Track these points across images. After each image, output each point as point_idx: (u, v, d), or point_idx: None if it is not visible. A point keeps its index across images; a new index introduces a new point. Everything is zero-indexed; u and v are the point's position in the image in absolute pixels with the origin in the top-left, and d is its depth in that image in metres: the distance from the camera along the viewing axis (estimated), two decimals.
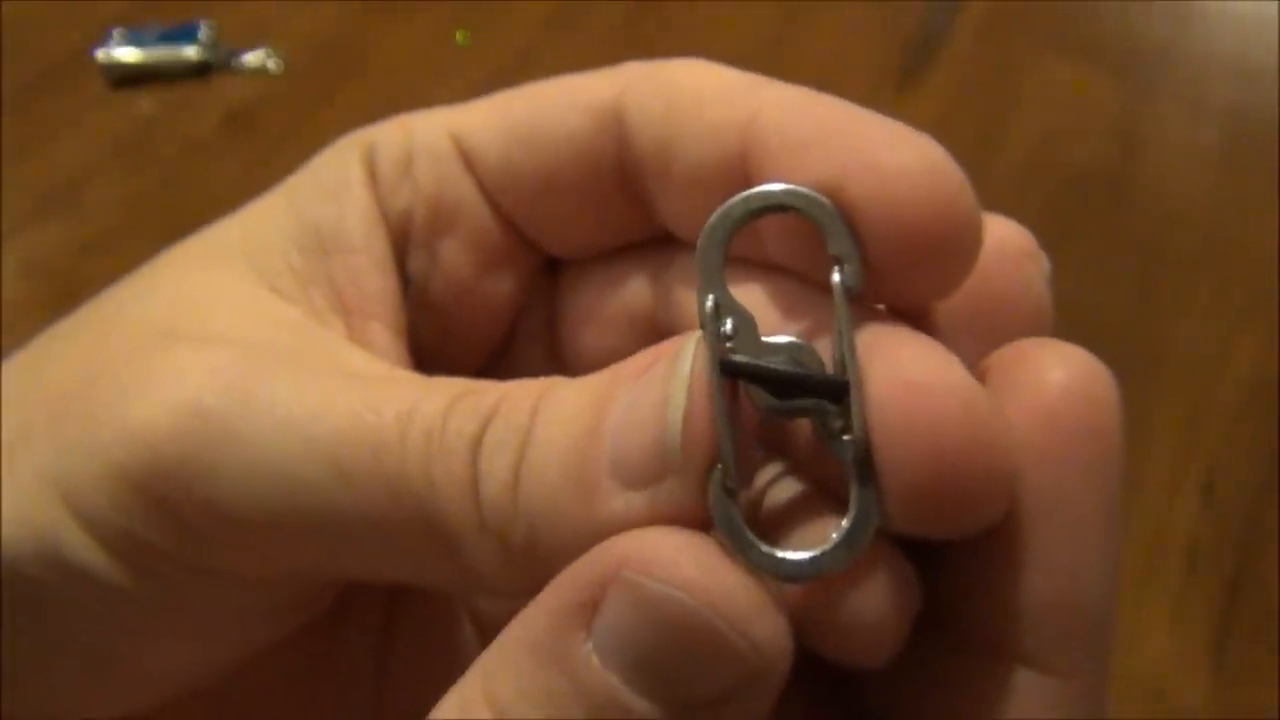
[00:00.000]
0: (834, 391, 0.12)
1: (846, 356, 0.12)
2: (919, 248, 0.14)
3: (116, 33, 0.69)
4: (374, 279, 0.18)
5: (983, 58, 0.70)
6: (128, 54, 0.68)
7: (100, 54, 0.68)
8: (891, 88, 0.68)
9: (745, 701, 0.12)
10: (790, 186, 0.14)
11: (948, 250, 0.14)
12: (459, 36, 0.71)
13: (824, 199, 0.14)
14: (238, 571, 0.14)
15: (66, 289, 0.57)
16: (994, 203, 0.71)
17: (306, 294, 0.17)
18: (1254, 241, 0.59)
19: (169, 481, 0.14)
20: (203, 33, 0.69)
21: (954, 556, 0.14)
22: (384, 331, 0.17)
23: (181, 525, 0.14)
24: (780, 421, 0.13)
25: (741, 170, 0.15)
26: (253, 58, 0.70)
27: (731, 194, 0.14)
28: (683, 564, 0.12)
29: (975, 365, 0.15)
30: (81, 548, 0.14)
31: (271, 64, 0.69)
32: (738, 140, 0.15)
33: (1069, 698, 0.14)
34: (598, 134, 0.16)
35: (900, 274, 0.13)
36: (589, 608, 0.12)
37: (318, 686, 0.17)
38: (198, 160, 0.64)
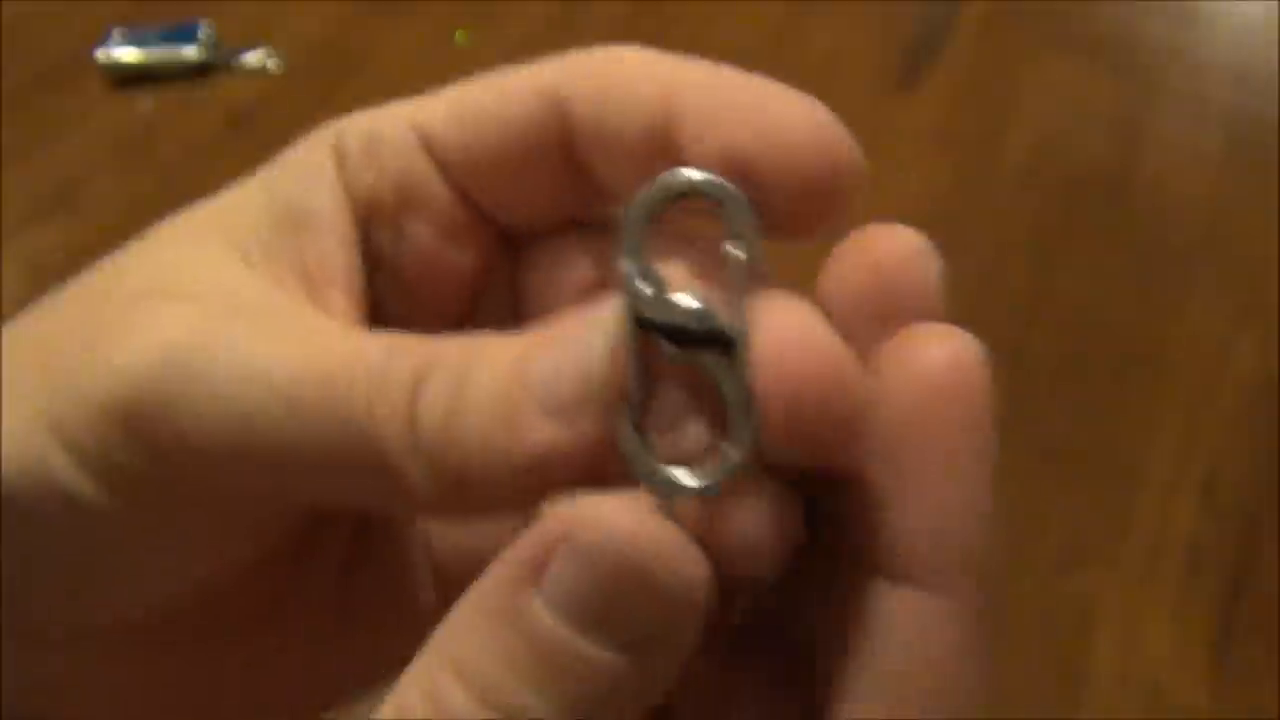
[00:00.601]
0: (725, 343, 0.15)
1: (737, 317, 0.15)
2: (815, 193, 0.17)
3: (116, 32, 0.69)
4: (338, 254, 0.19)
5: (983, 58, 0.70)
6: (128, 54, 0.68)
7: (100, 54, 0.68)
8: (891, 88, 0.68)
9: (681, 632, 0.14)
10: (699, 176, 0.16)
11: (836, 194, 0.18)
12: (459, 36, 0.71)
13: (728, 185, 0.16)
14: (206, 495, 0.17)
15: None
16: (994, 203, 0.72)
17: (274, 266, 0.19)
18: (1254, 241, 0.59)
19: (145, 417, 0.16)
20: (203, 33, 0.69)
21: (851, 493, 0.16)
22: (342, 299, 0.19)
23: (156, 454, 0.16)
24: (684, 368, 0.15)
25: (665, 139, 0.17)
26: (253, 58, 0.70)
27: (660, 163, 0.17)
28: (619, 520, 0.14)
29: (874, 346, 0.17)
30: (70, 474, 0.16)
31: (271, 64, 0.69)
32: (661, 113, 0.17)
33: (944, 613, 0.17)
34: (543, 115, 0.18)
35: (798, 211, 0.17)
36: (538, 569, 0.14)
37: (283, 618, 0.19)
38: (198, 160, 0.64)
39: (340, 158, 0.21)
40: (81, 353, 0.17)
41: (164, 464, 0.16)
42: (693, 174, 0.16)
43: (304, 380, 0.16)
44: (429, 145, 0.20)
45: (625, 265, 0.15)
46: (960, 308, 0.63)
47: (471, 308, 0.20)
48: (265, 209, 0.21)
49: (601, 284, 0.18)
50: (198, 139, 0.65)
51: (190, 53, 0.68)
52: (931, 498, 0.18)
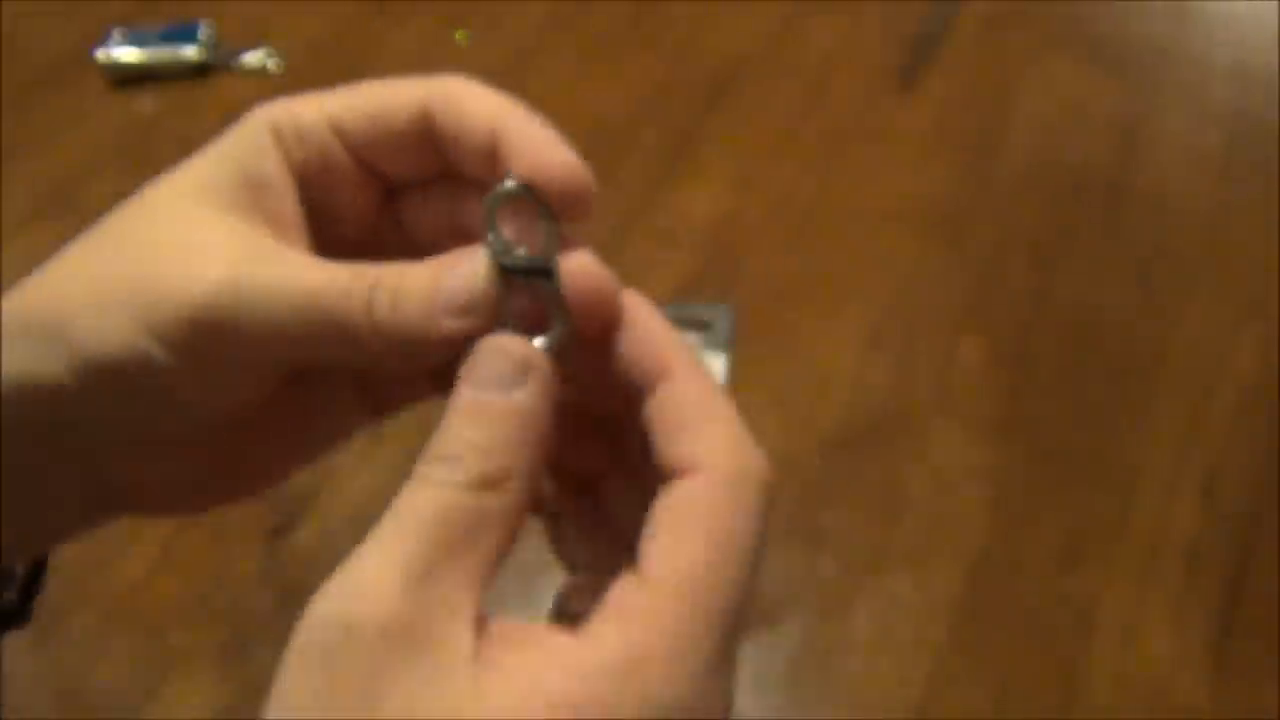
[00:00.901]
0: (546, 273, 0.26)
1: (550, 259, 0.27)
2: (573, 199, 0.27)
3: (116, 33, 0.69)
4: (291, 209, 0.30)
5: (983, 58, 0.70)
6: (128, 54, 0.68)
7: (100, 54, 0.68)
8: (891, 88, 0.68)
9: (537, 384, 0.25)
10: (515, 185, 0.27)
11: (584, 199, 0.28)
12: (459, 36, 0.71)
13: (532, 190, 0.27)
14: (241, 360, 0.27)
15: None
16: (994, 202, 0.72)
17: (250, 218, 0.29)
18: (1254, 241, 0.59)
19: (209, 320, 0.26)
20: (203, 33, 0.69)
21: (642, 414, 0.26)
22: (299, 239, 0.29)
23: (213, 340, 0.26)
24: (524, 288, 0.26)
25: (489, 148, 0.29)
26: (253, 58, 0.70)
27: (488, 162, 0.28)
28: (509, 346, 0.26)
29: None
30: (155, 351, 0.27)
31: (271, 64, 0.69)
32: (488, 133, 0.29)
33: (702, 486, 0.24)
34: (413, 116, 0.29)
35: (563, 204, 0.27)
36: (470, 369, 0.25)
37: (267, 425, 0.30)
38: None
39: (277, 138, 0.30)
40: (159, 280, 0.27)
41: (216, 344, 0.27)
42: (513, 183, 0.27)
43: (309, 293, 0.26)
44: (338, 129, 0.30)
45: (488, 235, 0.27)
46: (960, 308, 0.63)
47: (371, 238, 0.31)
48: (233, 176, 0.29)
49: (451, 215, 0.30)
50: (198, 139, 0.65)
51: (190, 53, 0.68)
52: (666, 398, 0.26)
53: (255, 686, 0.43)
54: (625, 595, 0.23)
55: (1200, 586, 0.46)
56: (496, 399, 0.25)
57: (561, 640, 0.23)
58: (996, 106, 0.67)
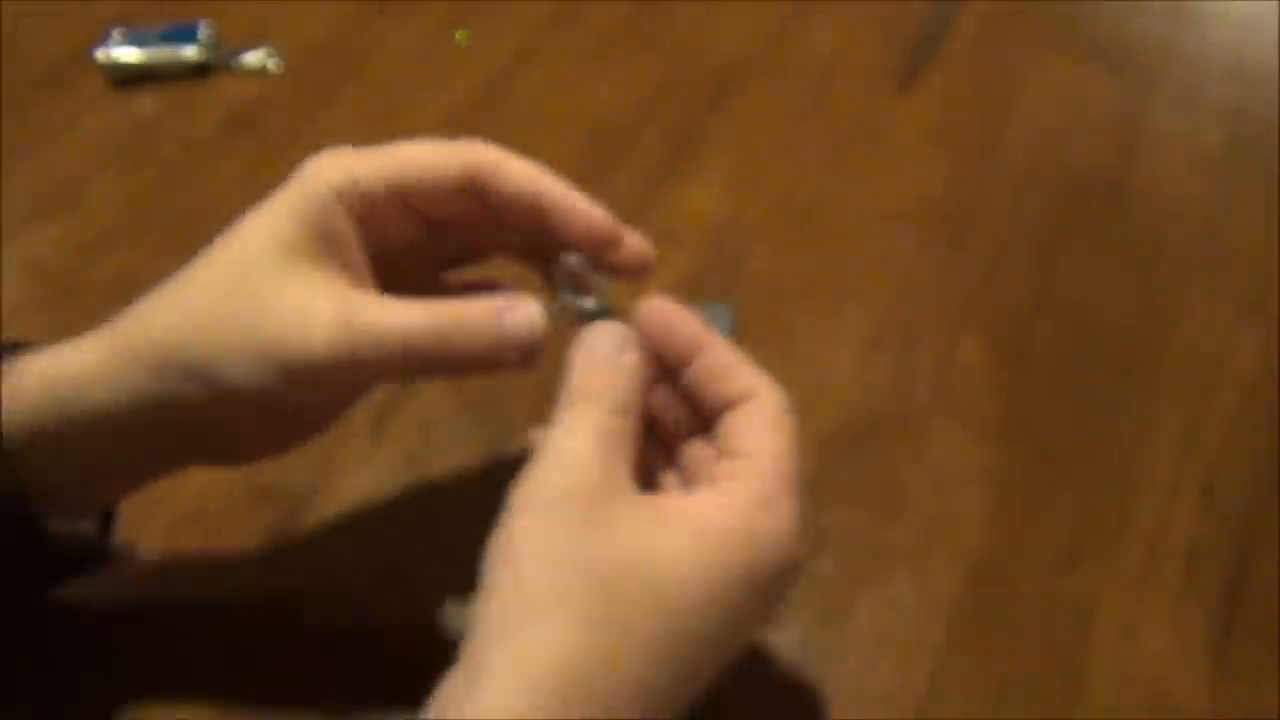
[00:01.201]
0: (606, 311, 0.37)
1: (606, 303, 0.37)
2: (613, 265, 0.39)
3: (116, 33, 0.69)
4: (359, 256, 0.37)
5: (983, 58, 0.70)
6: (128, 54, 0.68)
7: (100, 54, 0.68)
8: (891, 88, 0.68)
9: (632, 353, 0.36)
10: (576, 259, 0.38)
11: (628, 265, 0.39)
12: (459, 36, 0.71)
13: (588, 261, 0.38)
14: (354, 386, 0.39)
15: (66, 289, 0.57)
16: (994, 203, 0.72)
17: (334, 272, 0.37)
18: (1254, 241, 0.60)
19: (330, 367, 0.35)
20: (203, 33, 0.69)
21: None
22: (368, 279, 0.38)
23: (334, 377, 0.36)
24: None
25: (534, 212, 0.38)
26: (253, 58, 0.70)
27: (530, 213, 0.38)
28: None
29: None
30: (290, 391, 0.36)
31: (271, 64, 0.69)
32: (532, 199, 0.38)
33: (767, 403, 0.36)
34: (461, 175, 0.38)
35: (613, 268, 0.39)
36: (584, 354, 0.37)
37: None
38: (198, 160, 0.64)
39: (341, 197, 0.37)
40: (285, 339, 0.35)
41: (332, 380, 0.36)
42: (577, 258, 0.38)
43: (402, 339, 0.35)
44: (393, 187, 0.37)
45: (560, 295, 0.38)
46: (960, 308, 0.63)
47: (415, 260, 0.40)
48: (312, 235, 0.37)
49: (485, 240, 0.41)
50: (198, 139, 0.65)
51: (190, 53, 0.68)
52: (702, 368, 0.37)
53: (255, 686, 0.43)
54: (734, 467, 0.34)
55: (1200, 586, 0.46)
56: (615, 359, 0.36)
57: (704, 495, 0.34)
58: (996, 106, 0.67)
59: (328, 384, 0.36)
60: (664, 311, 0.37)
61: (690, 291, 0.56)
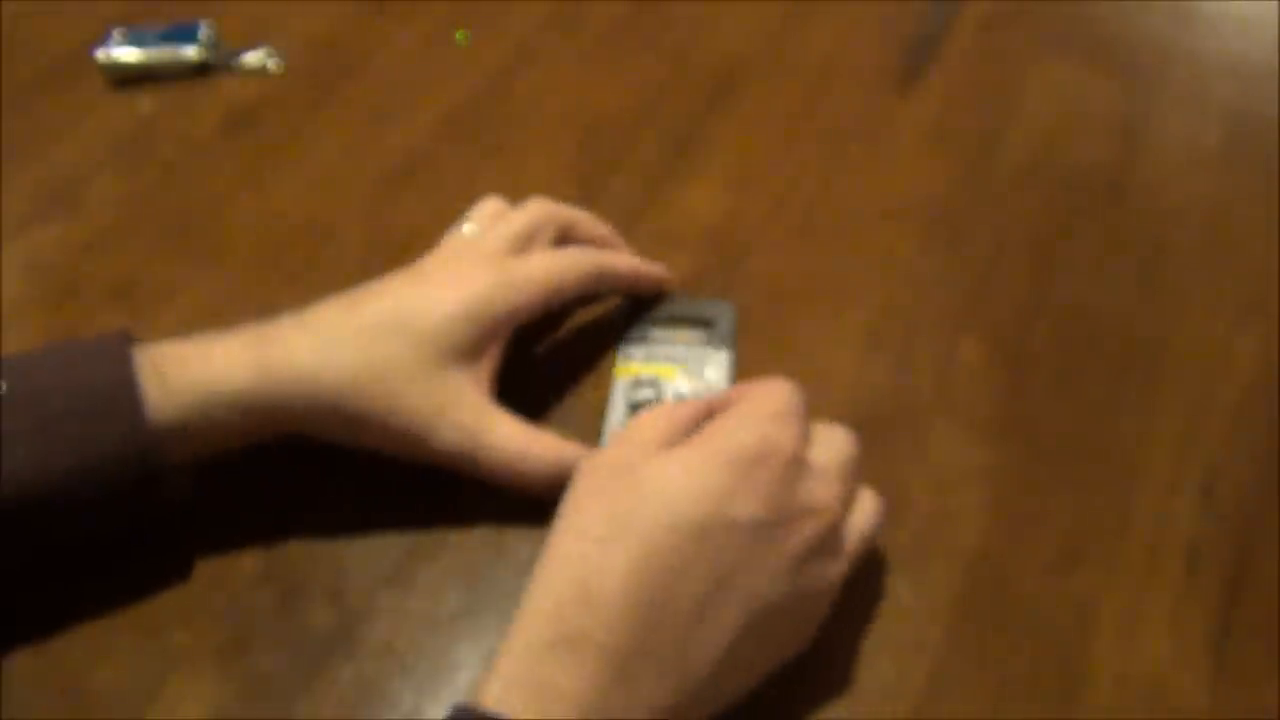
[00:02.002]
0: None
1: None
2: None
3: (116, 33, 0.69)
4: (494, 371, 0.48)
5: (983, 58, 0.70)
6: (128, 54, 0.68)
7: (100, 54, 0.68)
8: (891, 88, 0.68)
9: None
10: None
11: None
12: (459, 37, 0.71)
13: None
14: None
15: (66, 289, 0.57)
16: (994, 203, 0.72)
17: (472, 377, 0.46)
18: (1254, 241, 0.60)
19: (455, 463, 0.46)
20: (203, 33, 0.69)
21: None
22: (492, 388, 0.47)
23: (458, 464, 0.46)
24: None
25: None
26: (253, 58, 0.70)
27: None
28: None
29: None
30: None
31: (271, 64, 0.69)
32: (633, 283, 0.55)
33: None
34: (590, 281, 0.51)
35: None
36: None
37: None
38: (198, 160, 0.64)
39: (512, 315, 0.47)
40: (431, 429, 0.45)
41: (451, 464, 0.46)
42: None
43: (509, 462, 0.45)
44: (548, 298, 0.49)
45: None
46: (960, 308, 0.63)
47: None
48: (471, 346, 0.46)
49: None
50: (198, 139, 0.65)
51: (190, 53, 0.68)
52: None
53: (255, 686, 0.43)
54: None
55: (1200, 586, 0.46)
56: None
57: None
58: (996, 106, 0.67)
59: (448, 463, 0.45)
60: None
61: (690, 291, 0.56)
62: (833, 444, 0.42)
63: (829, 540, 0.40)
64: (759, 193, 0.62)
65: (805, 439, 0.41)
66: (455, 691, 0.43)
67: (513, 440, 0.45)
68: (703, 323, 0.53)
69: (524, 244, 0.49)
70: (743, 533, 0.37)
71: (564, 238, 0.51)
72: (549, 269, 0.48)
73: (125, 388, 0.41)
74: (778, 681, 0.41)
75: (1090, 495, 0.49)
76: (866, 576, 0.46)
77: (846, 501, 0.41)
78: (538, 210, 0.51)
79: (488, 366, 0.46)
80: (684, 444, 0.39)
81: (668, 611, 0.36)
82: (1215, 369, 0.54)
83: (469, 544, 0.47)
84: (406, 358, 0.44)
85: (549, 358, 0.54)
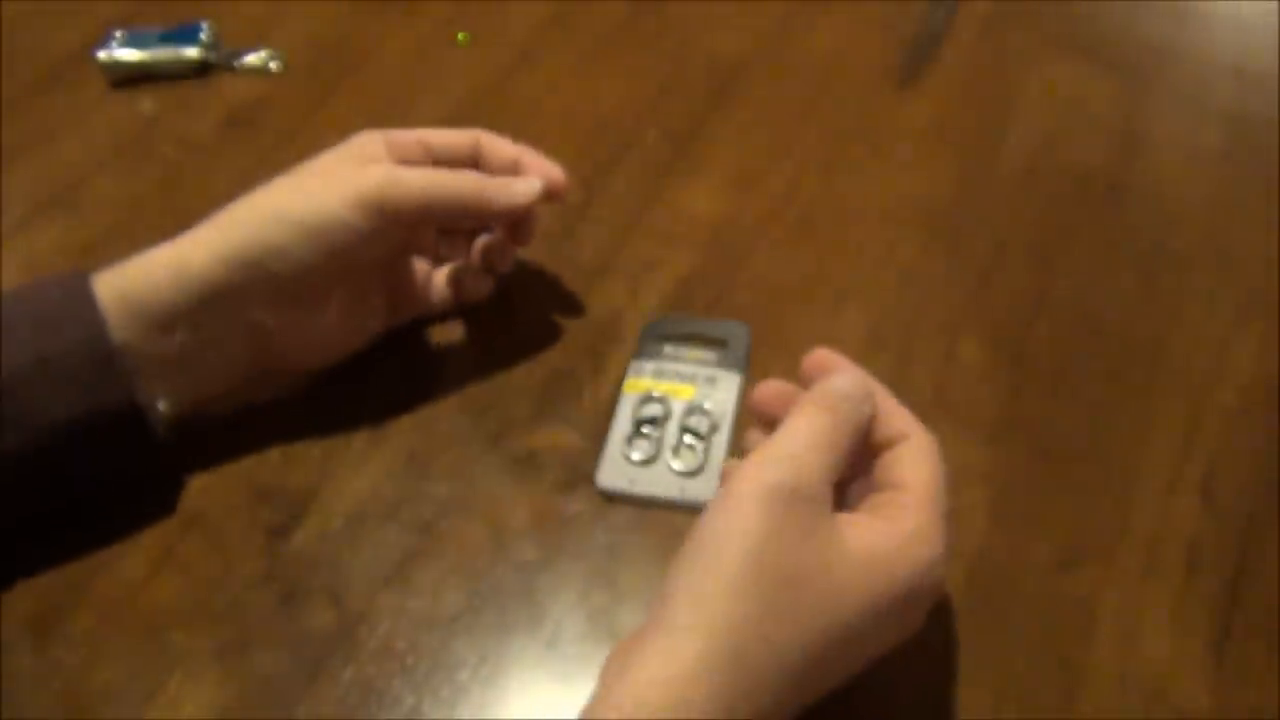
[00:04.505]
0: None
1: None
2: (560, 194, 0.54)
3: (117, 33, 0.69)
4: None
5: (983, 58, 0.70)
6: (128, 54, 0.68)
7: (101, 54, 0.68)
8: (891, 88, 0.68)
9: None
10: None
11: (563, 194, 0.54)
12: (460, 38, 0.71)
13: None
14: (392, 225, 0.48)
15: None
16: (994, 203, 0.72)
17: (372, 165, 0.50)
18: (1254, 241, 0.59)
19: (381, 198, 0.47)
20: (203, 33, 0.69)
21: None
22: None
23: (385, 207, 0.47)
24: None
25: (515, 164, 0.54)
26: (253, 58, 0.70)
27: (511, 169, 0.53)
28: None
29: None
30: (350, 216, 0.47)
31: (272, 64, 0.69)
32: (515, 164, 0.54)
33: (922, 440, 0.41)
34: (471, 145, 0.53)
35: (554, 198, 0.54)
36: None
37: (371, 287, 0.53)
38: (198, 160, 0.64)
39: (388, 146, 0.50)
40: (344, 183, 0.47)
41: (384, 209, 0.47)
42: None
43: (429, 178, 0.49)
44: (423, 144, 0.51)
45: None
46: (960, 308, 0.63)
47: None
48: (360, 157, 0.50)
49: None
50: (198, 139, 0.65)
51: (190, 53, 0.68)
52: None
53: (255, 686, 0.43)
54: (895, 497, 0.39)
55: (1200, 586, 0.46)
56: (856, 392, 0.40)
57: (875, 522, 0.38)
58: (996, 106, 0.67)
59: (378, 215, 0.47)
60: (829, 359, 0.42)
61: (690, 291, 0.56)
62: (930, 474, 0.40)
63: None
64: (759, 193, 0.62)
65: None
66: (455, 691, 0.43)
67: (434, 171, 0.49)
68: (717, 343, 0.53)
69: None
70: (892, 635, 0.39)
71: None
72: (427, 129, 0.52)
73: (78, 287, 0.45)
74: None
75: (1090, 495, 0.49)
76: None
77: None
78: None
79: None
80: (880, 560, 0.37)
81: (796, 677, 0.36)
82: (1215, 369, 0.54)
83: (469, 544, 0.47)
84: (321, 163, 0.49)
85: (553, 357, 0.54)
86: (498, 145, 0.52)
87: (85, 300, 0.45)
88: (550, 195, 0.52)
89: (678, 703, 0.33)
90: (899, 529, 0.37)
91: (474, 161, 0.52)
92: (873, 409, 0.40)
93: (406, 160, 0.50)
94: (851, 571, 0.36)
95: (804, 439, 0.38)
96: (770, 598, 0.35)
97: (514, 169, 0.52)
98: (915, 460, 0.40)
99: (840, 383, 0.40)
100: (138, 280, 0.45)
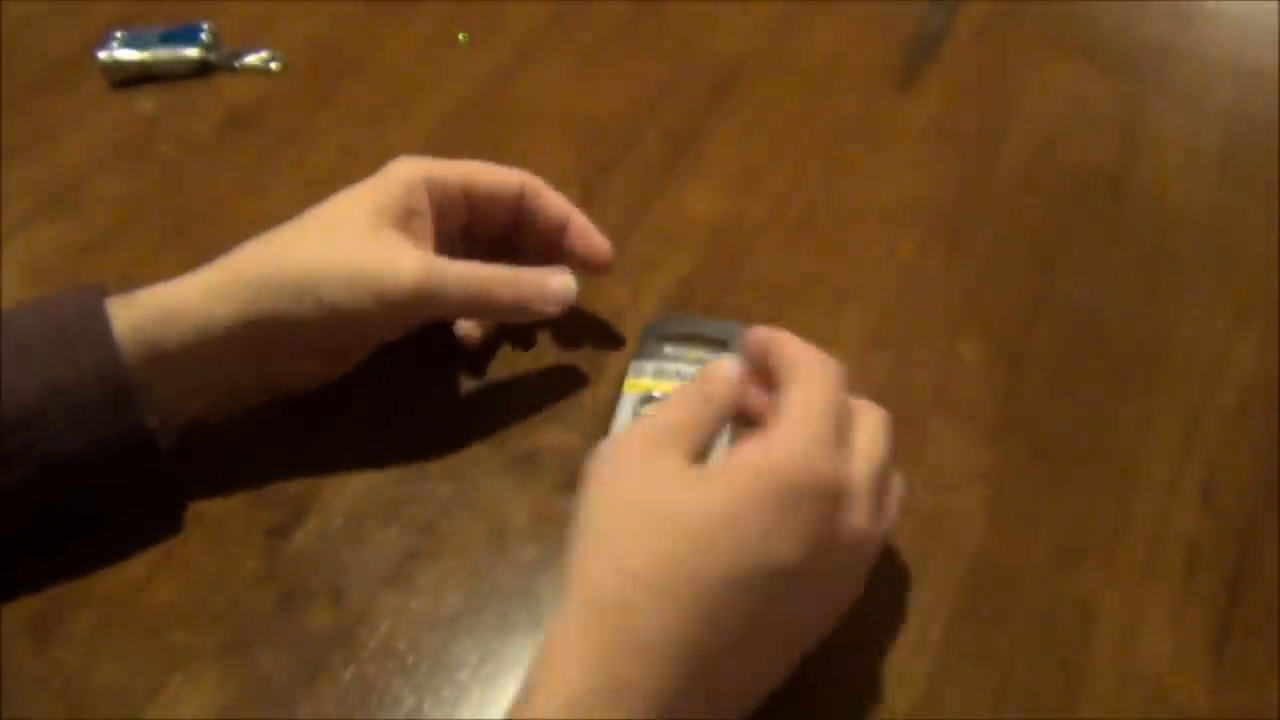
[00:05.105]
0: None
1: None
2: (602, 267, 0.54)
3: (118, 33, 0.69)
4: (429, 231, 0.49)
5: (983, 58, 0.70)
6: (128, 55, 0.68)
7: (102, 54, 0.68)
8: (891, 88, 0.68)
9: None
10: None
11: (606, 266, 0.54)
12: (461, 38, 0.71)
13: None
14: (423, 316, 0.49)
15: (66, 289, 0.57)
16: (994, 203, 0.72)
17: (408, 235, 0.48)
18: (1254, 241, 0.60)
19: (418, 299, 0.46)
20: (203, 33, 0.69)
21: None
22: (430, 248, 0.49)
23: (419, 308, 0.47)
24: None
25: (562, 225, 0.53)
26: (253, 58, 0.70)
27: (558, 230, 0.53)
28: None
29: None
30: (379, 312, 0.46)
31: (272, 64, 0.69)
32: (560, 220, 0.53)
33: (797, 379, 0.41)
34: (516, 194, 0.51)
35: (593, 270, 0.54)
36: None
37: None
38: (198, 160, 0.64)
39: (429, 186, 0.49)
40: (381, 272, 0.46)
41: (417, 310, 0.47)
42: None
43: (479, 282, 0.48)
44: (467, 188, 0.50)
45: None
46: (960, 308, 0.63)
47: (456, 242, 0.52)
48: (398, 206, 0.48)
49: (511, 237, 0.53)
50: (198, 139, 0.65)
51: (190, 53, 0.68)
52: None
53: (255, 686, 0.43)
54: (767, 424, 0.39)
55: (1200, 586, 0.46)
56: (723, 371, 0.41)
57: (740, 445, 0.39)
58: (996, 106, 0.67)
59: (408, 311, 0.47)
60: (762, 335, 0.43)
61: (690, 290, 0.56)
62: (871, 434, 0.41)
63: (867, 556, 0.41)
64: (759, 193, 0.62)
65: (846, 440, 0.40)
66: (456, 691, 0.43)
67: (473, 268, 0.47)
68: (717, 343, 0.53)
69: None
70: (784, 576, 0.37)
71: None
72: (475, 164, 0.51)
73: (93, 313, 0.44)
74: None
75: (1090, 495, 0.49)
76: (868, 576, 0.46)
77: (881, 509, 0.41)
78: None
79: (424, 229, 0.49)
80: (722, 469, 0.38)
81: (710, 655, 0.36)
82: (1215, 369, 0.54)
83: (469, 544, 0.47)
84: (347, 229, 0.47)
85: (553, 358, 0.54)
86: (545, 201, 0.51)
87: (100, 327, 0.43)
88: (591, 269, 0.52)
89: (557, 661, 0.35)
90: (756, 438, 0.38)
91: (517, 208, 0.51)
92: (729, 370, 0.41)
93: (445, 202, 0.49)
94: (709, 481, 0.37)
95: (662, 407, 0.41)
96: (619, 526, 0.37)
97: (558, 231, 0.51)
98: (789, 388, 0.40)
99: (711, 364, 0.42)
100: (155, 318, 0.44)
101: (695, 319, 0.54)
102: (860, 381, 0.53)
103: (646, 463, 0.38)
